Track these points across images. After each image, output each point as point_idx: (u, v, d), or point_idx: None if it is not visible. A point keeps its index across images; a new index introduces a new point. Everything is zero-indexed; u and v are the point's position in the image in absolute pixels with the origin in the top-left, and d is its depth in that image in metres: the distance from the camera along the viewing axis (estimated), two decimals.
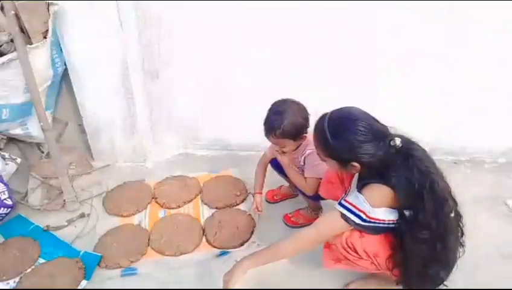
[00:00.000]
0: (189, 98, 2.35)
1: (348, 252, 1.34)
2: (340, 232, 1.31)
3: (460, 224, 1.34)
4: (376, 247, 1.31)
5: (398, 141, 1.22)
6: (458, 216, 1.32)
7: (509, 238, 1.85)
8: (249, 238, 1.85)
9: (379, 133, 1.23)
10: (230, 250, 1.79)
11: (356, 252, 1.32)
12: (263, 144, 2.38)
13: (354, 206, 1.25)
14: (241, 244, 1.82)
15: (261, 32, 2.07)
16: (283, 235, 1.67)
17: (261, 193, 1.94)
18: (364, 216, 1.24)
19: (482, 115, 2.27)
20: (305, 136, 1.67)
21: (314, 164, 1.67)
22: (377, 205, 1.23)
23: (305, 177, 1.76)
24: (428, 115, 2.26)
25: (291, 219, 1.96)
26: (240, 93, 2.30)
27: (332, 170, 1.55)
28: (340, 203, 1.28)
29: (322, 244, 1.41)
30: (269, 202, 2.11)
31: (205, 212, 2.03)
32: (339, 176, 1.55)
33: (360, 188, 1.28)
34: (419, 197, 1.19)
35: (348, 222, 1.25)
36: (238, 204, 2.07)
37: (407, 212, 1.22)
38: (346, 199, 1.28)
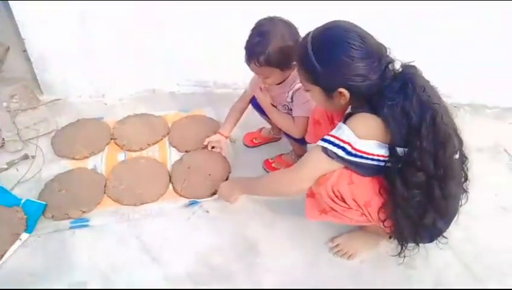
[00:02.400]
0: (154, 21, 1.96)
1: (334, 202, 1.15)
2: (323, 171, 1.12)
3: (465, 167, 1.17)
4: (367, 195, 1.13)
5: (397, 64, 1.03)
6: (463, 158, 1.15)
7: (510, 189, 1.68)
8: None
9: (374, 51, 1.02)
10: (200, 200, 1.55)
11: (344, 201, 1.14)
12: (243, 80, 2.08)
13: (337, 138, 1.05)
14: (213, 194, 1.57)
15: None
16: None
17: (226, 136, 1.71)
18: (349, 148, 1.04)
19: (486, 55, 2.00)
20: (295, 66, 1.37)
21: (304, 101, 1.41)
22: (364, 136, 1.03)
23: (293, 117, 1.49)
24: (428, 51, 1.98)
25: (272, 164, 1.72)
26: (217, 17, 1.93)
27: (320, 108, 1.33)
28: (322, 138, 1.09)
29: (304, 189, 1.21)
30: (247, 146, 1.85)
31: (173, 156, 1.75)
32: (328, 116, 1.30)
33: (345, 119, 1.08)
34: (416, 132, 0.99)
35: (330, 156, 1.07)
36: (211, 148, 1.79)
37: (400, 150, 1.03)
38: (329, 133, 1.08)
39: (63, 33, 1.83)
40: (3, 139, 1.69)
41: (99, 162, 1.70)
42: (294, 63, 1.34)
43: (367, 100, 1.04)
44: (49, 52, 1.90)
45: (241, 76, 2.10)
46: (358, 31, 1.03)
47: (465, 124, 1.97)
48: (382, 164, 1.07)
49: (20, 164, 1.67)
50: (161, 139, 1.83)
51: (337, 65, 1.01)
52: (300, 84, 1.39)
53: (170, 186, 1.61)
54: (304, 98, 1.41)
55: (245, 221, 1.48)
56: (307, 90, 1.15)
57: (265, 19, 1.35)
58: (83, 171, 1.64)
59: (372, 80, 1.01)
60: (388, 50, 1.05)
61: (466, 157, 1.16)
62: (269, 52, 1.29)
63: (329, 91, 1.07)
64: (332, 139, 1.06)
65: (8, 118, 1.74)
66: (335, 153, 1.05)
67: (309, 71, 1.07)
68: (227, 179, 1.63)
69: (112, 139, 1.81)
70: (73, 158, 1.70)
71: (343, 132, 1.04)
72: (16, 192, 1.55)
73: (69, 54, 1.91)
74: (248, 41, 1.35)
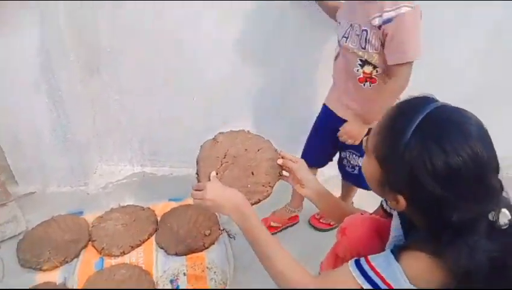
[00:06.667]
0: (145, 98, 1.77)
1: None
2: None
3: None
4: None
5: (505, 219, 0.67)
6: None
7: None
8: None
9: (482, 187, 0.67)
10: None
11: None
12: None
13: (383, 280, 0.71)
14: None
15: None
16: None
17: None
18: None
19: None
20: None
21: (414, 33, 1.11)
22: (420, 283, 0.71)
23: (388, 66, 1.18)
24: None
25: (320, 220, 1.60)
26: (213, 88, 1.74)
27: (345, 242, 0.98)
28: (359, 267, 0.76)
29: None
30: None
31: (160, 262, 1.46)
32: (360, 252, 0.91)
33: (398, 249, 0.75)
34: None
35: None
36: (207, 247, 1.50)
37: None
38: (372, 262, 0.75)
39: (35, 119, 1.64)
40: None
41: (71, 273, 1.40)
42: None
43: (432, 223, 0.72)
44: (21, 139, 1.69)
45: None
46: (484, 148, 0.67)
47: None
48: None
49: None
50: (147, 239, 1.55)
51: (421, 169, 0.67)
52: (409, 9, 1.09)
53: None
54: (414, 28, 1.10)
55: None
56: (366, 154, 0.81)
57: None
58: (50, 287, 1.34)
59: (461, 215, 0.67)
60: (506, 194, 0.70)
61: None
62: None
63: (386, 183, 0.75)
64: (376, 279, 0.72)
65: None
66: None
67: (386, 142, 0.73)
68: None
69: (90, 241, 1.53)
70: (41, 269, 1.41)
71: (393, 273, 0.71)
72: None
73: (43, 140, 1.70)
74: None
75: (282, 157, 1.10)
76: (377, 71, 1.21)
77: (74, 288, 1.34)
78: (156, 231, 1.58)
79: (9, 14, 1.40)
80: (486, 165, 0.67)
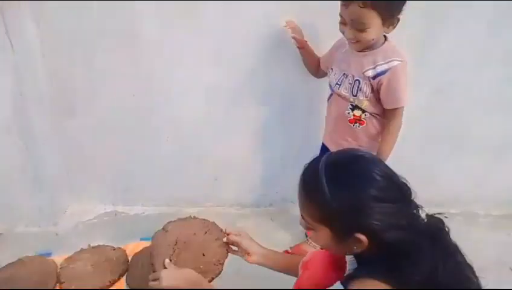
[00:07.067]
0: (118, 137, 1.82)
1: None
2: None
3: None
4: None
5: (423, 214, 0.81)
6: None
7: None
8: None
9: (401, 192, 0.80)
10: None
11: None
12: (218, 196, 1.92)
13: None
14: None
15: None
16: None
17: None
18: None
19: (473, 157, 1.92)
20: (392, 28, 1.28)
21: (405, 82, 1.30)
22: None
23: (384, 109, 1.38)
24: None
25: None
26: (186, 129, 1.82)
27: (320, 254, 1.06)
28: None
29: None
30: None
31: None
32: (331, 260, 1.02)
33: (347, 280, 0.83)
34: None
35: None
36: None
37: None
38: None
39: (6, 159, 1.65)
40: None
41: None
42: (397, 18, 1.25)
43: (391, 255, 0.78)
44: None
45: (215, 191, 1.94)
46: (383, 166, 0.82)
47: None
48: None
49: None
50: (118, 280, 1.54)
51: (358, 202, 0.77)
52: (400, 62, 1.28)
53: None
54: (402, 83, 1.29)
55: None
56: (310, 229, 0.88)
57: None
58: None
59: (400, 225, 0.76)
60: (414, 193, 0.82)
61: None
62: None
63: (342, 233, 0.81)
64: None
65: None
66: None
67: (319, 205, 0.81)
68: None
69: (57, 283, 1.50)
70: None
71: None
72: None
73: (13, 180, 1.70)
74: None
75: (227, 235, 1.21)
76: (365, 115, 1.40)
77: None
78: (126, 271, 1.58)
79: None
80: (392, 173, 0.81)
